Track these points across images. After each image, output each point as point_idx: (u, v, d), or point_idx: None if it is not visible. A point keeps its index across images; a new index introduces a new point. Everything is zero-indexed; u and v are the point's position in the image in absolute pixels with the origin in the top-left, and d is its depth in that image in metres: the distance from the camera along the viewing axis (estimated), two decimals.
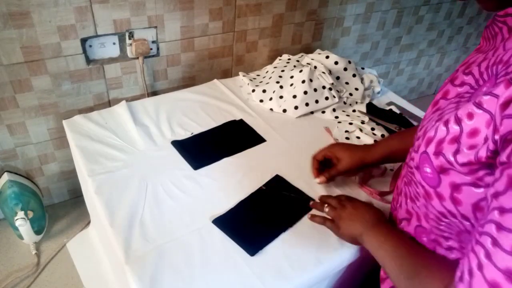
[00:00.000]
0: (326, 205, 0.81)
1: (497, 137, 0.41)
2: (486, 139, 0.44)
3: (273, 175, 0.97)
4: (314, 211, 0.86)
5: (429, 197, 0.55)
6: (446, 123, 0.50)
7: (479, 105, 0.46)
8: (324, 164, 0.93)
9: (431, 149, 0.52)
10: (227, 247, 0.80)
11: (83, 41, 1.18)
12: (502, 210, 0.37)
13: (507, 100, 0.41)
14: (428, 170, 0.53)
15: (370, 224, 0.72)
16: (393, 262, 0.63)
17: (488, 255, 0.38)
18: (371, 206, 0.79)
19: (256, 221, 0.85)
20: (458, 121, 0.48)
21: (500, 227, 0.37)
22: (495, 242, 0.37)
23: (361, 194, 0.96)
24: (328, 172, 0.90)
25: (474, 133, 0.46)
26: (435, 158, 0.51)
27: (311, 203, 0.87)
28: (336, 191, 0.95)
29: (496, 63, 0.51)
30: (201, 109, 1.20)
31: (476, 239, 0.41)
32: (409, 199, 0.63)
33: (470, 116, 0.47)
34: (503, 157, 0.39)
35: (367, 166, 0.90)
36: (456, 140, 0.48)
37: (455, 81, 0.58)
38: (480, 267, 0.39)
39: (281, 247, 0.81)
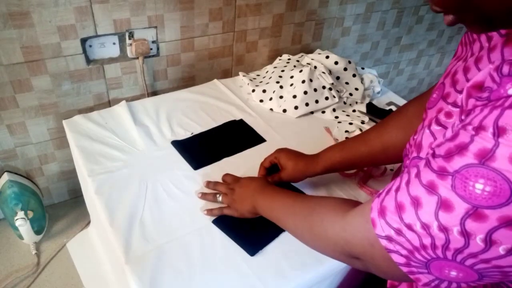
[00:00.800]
0: (218, 195, 0.86)
1: (463, 116, 0.43)
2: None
3: None
4: (207, 204, 0.88)
5: None
6: (429, 127, 0.51)
7: (454, 104, 0.48)
8: (272, 169, 0.92)
9: (424, 154, 0.51)
10: (227, 247, 0.80)
11: (83, 41, 1.18)
12: (433, 154, 0.42)
13: (477, 84, 0.43)
14: None
15: (257, 191, 0.77)
16: (287, 215, 0.67)
17: (408, 182, 0.43)
18: (254, 178, 0.85)
19: (256, 221, 0.85)
20: (438, 122, 0.50)
21: (426, 164, 0.42)
22: (418, 174, 0.42)
23: (361, 194, 0.96)
24: (272, 178, 0.89)
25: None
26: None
27: (199, 195, 0.89)
28: (336, 191, 0.95)
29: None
30: (201, 109, 1.20)
31: (407, 169, 0.46)
32: None
33: (448, 115, 0.48)
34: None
35: (309, 177, 0.90)
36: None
37: (448, 99, 0.58)
38: (398, 189, 0.44)
39: (281, 247, 0.81)
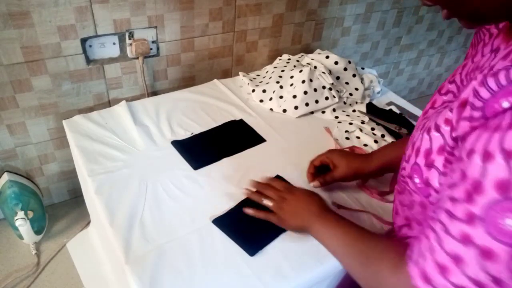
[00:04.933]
0: (264, 198, 0.81)
1: (454, 135, 0.42)
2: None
3: (273, 175, 0.97)
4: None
5: (424, 206, 0.55)
6: (428, 131, 0.51)
7: (451, 110, 0.47)
8: (320, 169, 0.92)
9: (421, 160, 0.51)
10: (227, 247, 0.80)
11: (83, 41, 1.18)
12: (453, 200, 0.39)
13: (463, 101, 0.41)
14: (417, 181, 0.53)
15: (316, 214, 0.73)
16: (343, 249, 0.64)
17: (439, 241, 0.40)
18: (312, 194, 0.80)
19: (256, 221, 0.85)
20: (437, 128, 0.48)
21: (451, 215, 0.39)
22: (446, 230, 0.39)
23: (361, 194, 0.96)
24: (324, 178, 0.89)
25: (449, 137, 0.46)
26: (427, 170, 0.50)
27: (245, 192, 0.86)
28: (336, 191, 0.95)
29: (473, 69, 0.51)
30: (201, 109, 1.20)
31: (429, 224, 0.43)
32: (405, 206, 0.63)
33: (447, 122, 0.47)
34: (458, 153, 0.42)
35: (362, 177, 0.89)
36: (444, 149, 0.47)
37: (442, 90, 0.59)
38: (432, 250, 0.41)
39: (281, 247, 0.81)
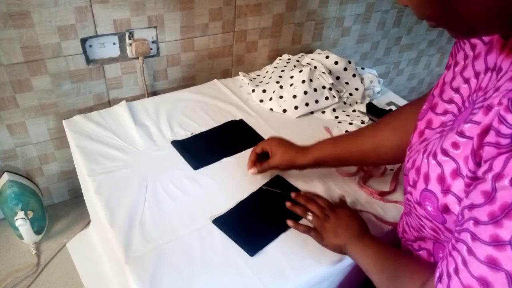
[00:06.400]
0: (309, 213, 0.80)
1: (477, 159, 0.42)
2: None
3: (273, 175, 0.97)
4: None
5: (438, 231, 0.54)
6: (434, 156, 0.50)
7: (461, 134, 0.46)
8: (262, 156, 0.93)
9: (434, 187, 0.50)
10: (227, 247, 0.80)
11: (83, 41, 1.18)
12: (477, 222, 0.39)
13: (486, 128, 0.41)
14: (429, 208, 0.52)
15: (354, 235, 0.73)
16: (375, 267, 0.65)
17: (464, 262, 0.40)
18: (354, 216, 0.79)
19: (256, 221, 0.85)
20: (445, 153, 0.48)
21: (474, 237, 0.39)
22: (470, 251, 0.39)
23: (361, 194, 0.96)
24: (260, 164, 0.91)
25: (466, 161, 0.45)
26: (443, 197, 0.49)
27: (288, 204, 0.84)
28: (336, 191, 0.95)
29: (476, 91, 0.50)
30: (201, 109, 1.20)
31: (453, 244, 0.43)
32: (413, 228, 0.63)
33: (455, 145, 0.46)
34: (479, 173, 0.41)
35: (296, 168, 0.90)
36: (457, 172, 0.46)
37: (436, 109, 0.58)
38: (457, 271, 0.41)
39: (281, 247, 0.81)
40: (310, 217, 0.80)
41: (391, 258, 0.64)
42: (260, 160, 0.93)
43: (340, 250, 0.75)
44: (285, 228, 0.84)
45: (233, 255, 0.79)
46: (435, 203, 0.50)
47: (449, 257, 0.43)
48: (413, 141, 0.61)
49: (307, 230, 0.79)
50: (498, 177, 0.37)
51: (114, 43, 1.24)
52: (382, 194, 0.95)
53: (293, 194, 0.87)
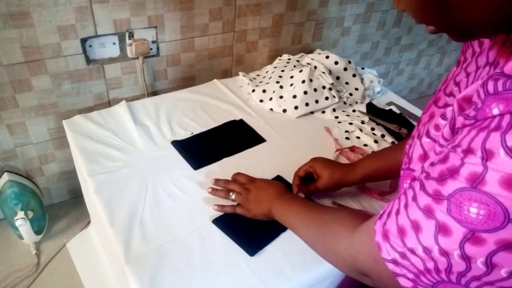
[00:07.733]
0: (231, 193, 0.86)
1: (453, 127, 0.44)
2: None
3: (273, 175, 0.97)
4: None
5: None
6: (420, 138, 0.52)
7: (443, 116, 0.49)
8: (306, 178, 0.91)
9: (416, 166, 0.52)
10: (227, 247, 0.80)
11: (83, 41, 1.18)
12: (428, 176, 0.42)
13: (467, 98, 0.43)
14: (405, 185, 0.54)
15: (274, 197, 0.79)
16: (302, 221, 0.68)
17: (406, 206, 0.44)
18: (273, 182, 0.86)
19: (256, 221, 0.85)
20: (428, 134, 0.51)
21: (422, 187, 0.43)
22: (414, 197, 0.43)
23: (361, 194, 0.96)
24: (307, 188, 0.88)
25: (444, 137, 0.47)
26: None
27: (210, 190, 0.90)
28: (336, 191, 0.95)
29: (473, 83, 0.51)
30: (201, 109, 1.20)
31: (405, 189, 0.47)
32: None
33: (437, 127, 0.49)
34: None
35: (345, 186, 0.89)
36: (436, 150, 0.49)
37: (438, 103, 0.59)
38: (398, 212, 0.45)
39: (281, 247, 0.81)
40: (233, 196, 0.86)
41: (317, 210, 0.67)
42: (304, 182, 0.90)
43: (268, 216, 0.80)
44: (285, 228, 0.84)
45: (233, 255, 0.79)
46: (413, 180, 0.52)
47: (397, 200, 0.47)
48: (413, 132, 0.64)
49: (233, 208, 0.85)
50: (456, 146, 0.40)
51: (114, 43, 1.24)
52: (382, 194, 0.95)
53: (212, 180, 0.92)
